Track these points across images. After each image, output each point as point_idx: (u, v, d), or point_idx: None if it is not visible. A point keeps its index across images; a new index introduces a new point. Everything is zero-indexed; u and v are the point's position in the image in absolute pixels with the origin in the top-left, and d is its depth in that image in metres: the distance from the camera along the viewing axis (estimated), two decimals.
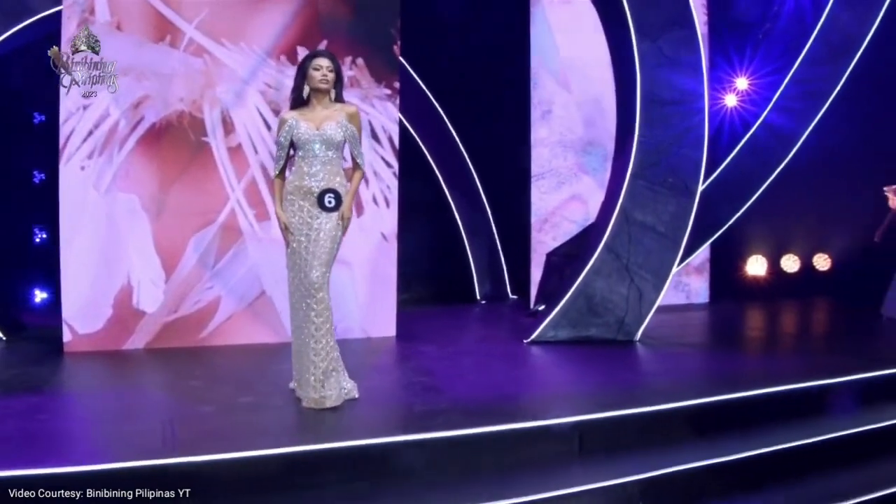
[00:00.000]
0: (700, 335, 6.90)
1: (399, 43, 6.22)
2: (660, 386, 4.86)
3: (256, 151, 5.88)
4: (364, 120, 5.68)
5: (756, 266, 8.38)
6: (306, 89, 4.25)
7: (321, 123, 4.18)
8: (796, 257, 8.39)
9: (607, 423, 4.01)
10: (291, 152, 4.27)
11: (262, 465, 3.36)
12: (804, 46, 7.11)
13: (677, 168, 6.03)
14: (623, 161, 6.11)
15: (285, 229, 4.21)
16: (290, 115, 4.25)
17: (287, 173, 4.30)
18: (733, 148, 7.72)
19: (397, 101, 6.25)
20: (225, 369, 5.20)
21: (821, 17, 7.21)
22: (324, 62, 4.23)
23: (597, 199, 6.90)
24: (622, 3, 5.91)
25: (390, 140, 6.24)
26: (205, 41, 5.74)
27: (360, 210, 6.06)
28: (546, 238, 7.59)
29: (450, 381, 4.79)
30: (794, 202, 7.88)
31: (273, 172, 4.32)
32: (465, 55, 8.05)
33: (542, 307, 6.95)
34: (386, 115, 6.22)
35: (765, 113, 7.61)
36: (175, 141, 5.70)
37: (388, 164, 6.23)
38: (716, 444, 4.02)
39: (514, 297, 8.27)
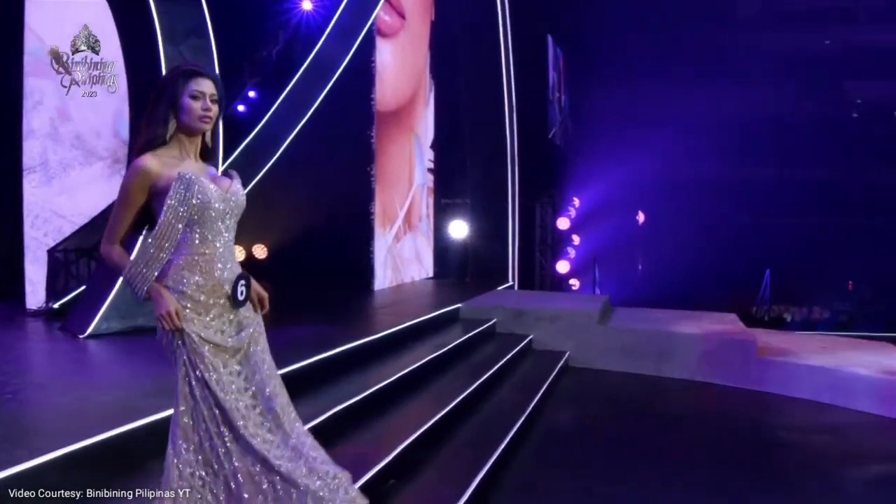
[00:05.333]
0: None
1: None
2: None
3: None
4: None
5: None
6: (172, 125, 2.86)
7: (219, 183, 2.93)
8: (241, 247, 9.40)
9: None
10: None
11: None
12: (300, 68, 8.13)
13: None
14: None
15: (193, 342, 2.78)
16: (170, 166, 2.83)
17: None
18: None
19: None
20: None
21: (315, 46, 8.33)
22: (207, 86, 2.87)
23: (87, 193, 6.89)
24: (150, 9, 6.19)
25: None
26: None
27: None
28: (38, 234, 7.16)
29: None
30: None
31: (111, 242, 2.83)
32: None
33: (53, 304, 6.66)
34: None
35: (263, 121, 8.41)
36: None
37: None
38: None
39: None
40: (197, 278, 2.82)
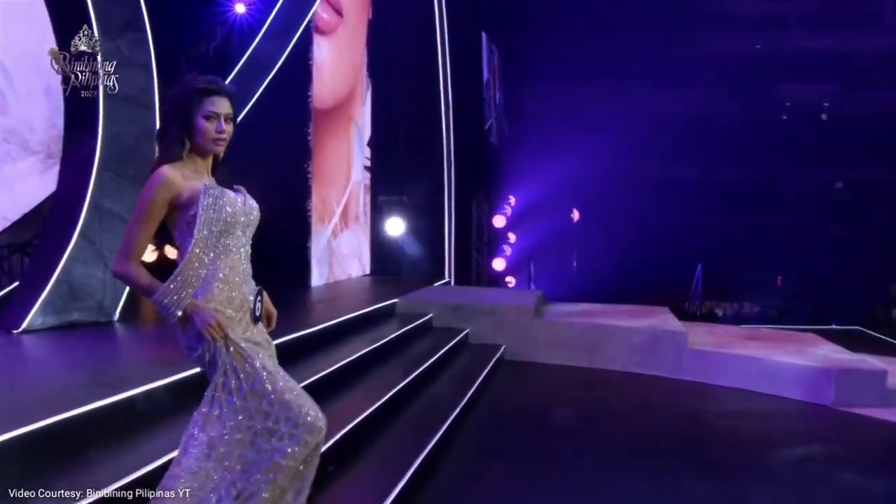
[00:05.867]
0: None
1: None
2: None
3: None
4: None
5: (147, 254, 9.01)
6: (187, 143, 2.79)
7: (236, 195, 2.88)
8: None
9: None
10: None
11: None
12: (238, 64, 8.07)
13: (137, 160, 6.50)
14: (81, 153, 6.32)
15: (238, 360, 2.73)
16: (190, 178, 2.77)
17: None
18: None
19: None
20: None
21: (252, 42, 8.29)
22: (222, 106, 2.80)
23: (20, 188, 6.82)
24: (86, 2, 6.14)
25: None
26: None
27: None
28: None
29: None
30: None
31: (130, 259, 2.72)
32: None
33: None
34: None
35: None
36: None
37: None
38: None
39: None
40: (226, 293, 2.77)
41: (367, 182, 11.86)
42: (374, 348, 6.64)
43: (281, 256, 9.19)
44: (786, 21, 21.18)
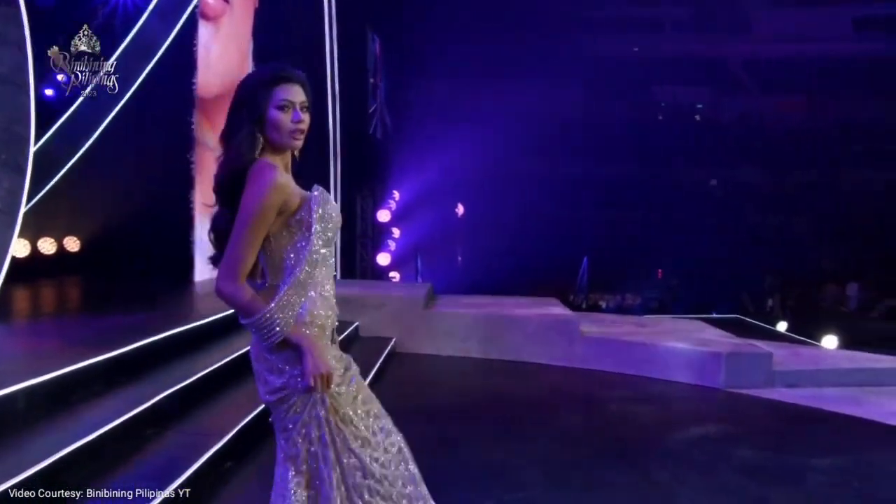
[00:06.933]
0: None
1: None
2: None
3: None
4: None
5: (20, 248, 8.53)
6: (259, 141, 2.41)
7: None
8: (52, 239, 8.85)
9: None
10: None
11: None
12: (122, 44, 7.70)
13: (10, 145, 6.14)
14: None
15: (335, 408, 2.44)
16: (288, 180, 2.43)
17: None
18: None
19: None
20: None
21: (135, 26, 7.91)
22: (296, 94, 2.44)
23: None
24: None
25: None
26: None
27: None
28: None
29: None
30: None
31: (238, 277, 2.35)
32: None
33: None
34: None
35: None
36: None
37: None
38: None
39: None
40: (325, 309, 2.44)
41: None
42: None
43: (163, 249, 8.91)
44: (661, 26, 22.04)
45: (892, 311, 16.61)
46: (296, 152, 2.48)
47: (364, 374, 6.58)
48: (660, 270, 20.71)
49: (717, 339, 8.28)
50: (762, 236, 19.89)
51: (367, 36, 15.62)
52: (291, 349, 2.36)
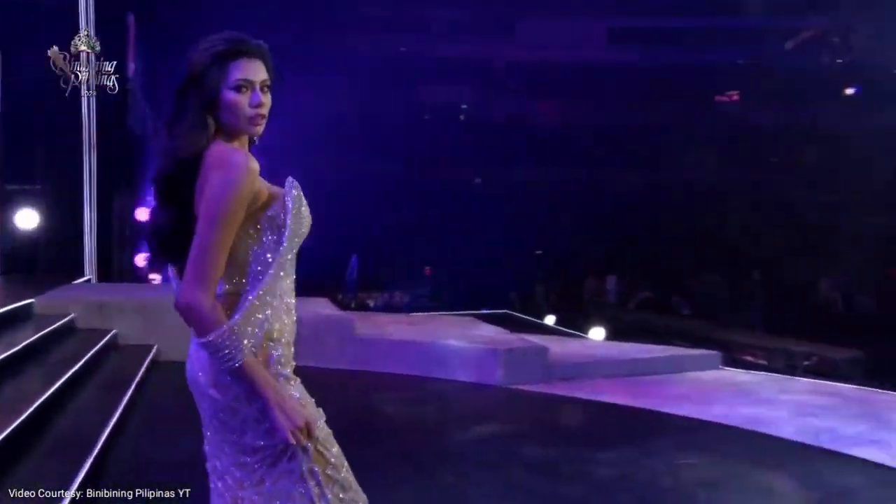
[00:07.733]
0: None
1: None
2: None
3: None
4: None
5: None
6: (212, 125, 2.01)
7: None
8: None
9: None
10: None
11: None
12: None
13: None
14: None
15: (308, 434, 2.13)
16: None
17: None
18: None
19: None
20: None
21: None
22: (255, 71, 2.07)
23: None
24: None
25: None
26: None
27: None
28: None
29: None
30: None
31: (207, 286, 1.94)
32: None
33: None
34: None
35: None
36: None
37: None
38: None
39: None
40: (293, 327, 2.12)
41: None
42: (8, 356, 5.78)
43: None
44: (427, 27, 22.56)
45: (644, 302, 17.77)
46: (255, 137, 2.12)
47: (124, 388, 6.20)
48: (427, 268, 21.06)
49: (492, 335, 8.38)
50: (527, 232, 20.74)
51: (128, 25, 14.60)
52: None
